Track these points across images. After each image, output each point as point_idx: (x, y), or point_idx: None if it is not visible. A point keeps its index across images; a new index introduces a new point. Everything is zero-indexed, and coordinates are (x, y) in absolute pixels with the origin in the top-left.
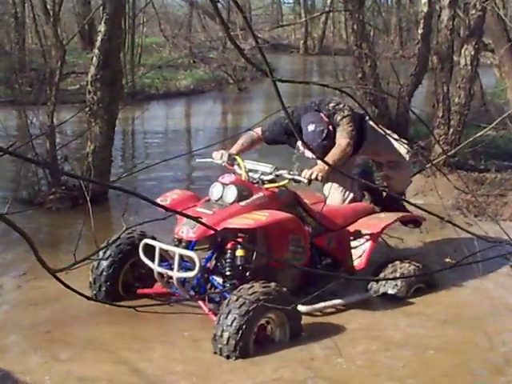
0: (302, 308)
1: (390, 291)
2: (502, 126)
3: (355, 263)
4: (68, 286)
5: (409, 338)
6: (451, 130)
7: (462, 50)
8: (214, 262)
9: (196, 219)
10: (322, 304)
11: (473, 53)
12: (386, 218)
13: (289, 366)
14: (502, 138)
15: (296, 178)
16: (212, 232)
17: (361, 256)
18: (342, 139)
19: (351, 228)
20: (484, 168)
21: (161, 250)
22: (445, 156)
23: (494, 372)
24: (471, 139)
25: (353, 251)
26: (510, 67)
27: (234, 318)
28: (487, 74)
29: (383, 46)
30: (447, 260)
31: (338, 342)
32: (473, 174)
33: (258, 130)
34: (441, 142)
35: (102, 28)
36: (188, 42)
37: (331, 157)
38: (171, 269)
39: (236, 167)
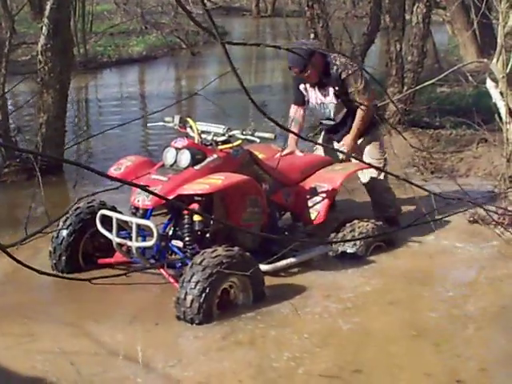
0: (264, 267)
1: (349, 250)
2: (457, 83)
3: (313, 217)
4: (18, 261)
5: (360, 296)
6: (405, 88)
7: (414, 8)
8: (172, 229)
9: (148, 190)
10: (283, 262)
11: (424, 10)
12: (343, 170)
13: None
14: (456, 95)
15: (249, 137)
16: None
17: (319, 210)
18: (362, 101)
19: (309, 182)
20: (439, 125)
21: (118, 219)
22: (399, 114)
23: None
24: (414, 89)
25: (311, 205)
26: (461, 24)
27: (198, 281)
28: (440, 31)
29: (336, 6)
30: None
31: (297, 301)
32: (428, 131)
33: (292, 109)
34: (395, 101)
35: None
36: (139, 8)
37: (356, 126)
38: (130, 238)
39: (188, 130)
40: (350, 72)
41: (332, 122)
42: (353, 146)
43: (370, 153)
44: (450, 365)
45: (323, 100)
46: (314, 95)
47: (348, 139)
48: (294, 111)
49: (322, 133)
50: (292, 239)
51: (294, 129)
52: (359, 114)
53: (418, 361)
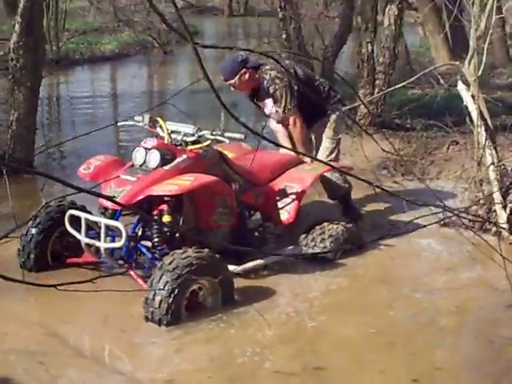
0: (232, 268)
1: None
2: (428, 85)
3: (284, 218)
4: None
5: (326, 295)
6: (376, 89)
7: (386, 10)
8: (141, 229)
9: (110, 198)
10: (251, 263)
11: (396, 12)
12: (313, 170)
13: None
14: (427, 97)
15: (219, 138)
16: (137, 199)
17: (289, 211)
18: (289, 122)
19: (279, 182)
20: (410, 127)
21: (87, 220)
22: (370, 116)
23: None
24: (385, 92)
25: (281, 206)
26: (433, 26)
27: (167, 282)
28: (411, 32)
29: (308, 7)
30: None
31: (265, 302)
32: (399, 132)
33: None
34: (366, 103)
35: None
36: (112, 5)
37: (298, 143)
38: (99, 238)
39: (158, 129)
40: (276, 87)
41: None
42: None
43: (326, 133)
44: (406, 363)
45: (271, 110)
46: (264, 108)
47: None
48: (272, 124)
49: None
50: (262, 253)
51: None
52: (292, 132)
53: (376, 359)
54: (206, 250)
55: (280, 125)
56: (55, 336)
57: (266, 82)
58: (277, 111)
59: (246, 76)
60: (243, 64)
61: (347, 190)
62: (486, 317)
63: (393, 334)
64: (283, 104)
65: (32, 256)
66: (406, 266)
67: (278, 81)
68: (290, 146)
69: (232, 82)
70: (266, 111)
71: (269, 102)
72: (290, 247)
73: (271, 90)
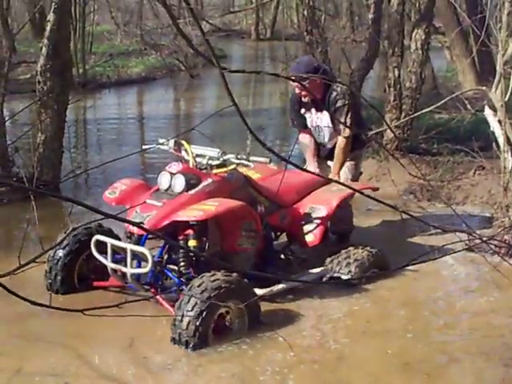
0: (259, 291)
1: (344, 277)
2: (455, 110)
3: (309, 239)
4: (10, 291)
5: (350, 322)
6: (403, 114)
7: (413, 35)
8: (167, 254)
9: (136, 224)
10: (278, 286)
11: (423, 37)
12: (339, 191)
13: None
14: (454, 121)
15: (244, 162)
16: (163, 224)
17: (315, 233)
18: (341, 136)
19: (305, 203)
20: (437, 152)
21: (113, 245)
22: (397, 141)
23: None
24: (412, 116)
25: (307, 228)
26: (460, 50)
27: (196, 304)
28: (438, 56)
29: (334, 31)
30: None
31: (288, 327)
32: (425, 157)
33: (301, 137)
34: (393, 127)
35: (50, 17)
36: (139, 29)
37: (338, 158)
38: (125, 263)
39: (183, 153)
40: (345, 102)
41: (327, 147)
42: (338, 176)
43: (342, 171)
44: (419, 383)
45: (319, 123)
46: (309, 118)
47: (332, 172)
48: (303, 137)
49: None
50: (278, 278)
51: (308, 153)
52: (338, 146)
53: (391, 380)
54: (235, 274)
55: (312, 140)
56: (80, 358)
57: (335, 93)
58: (328, 126)
59: (318, 81)
60: (317, 70)
61: (347, 232)
62: (503, 341)
63: (408, 356)
64: (349, 120)
65: (59, 278)
66: (428, 289)
67: (348, 97)
68: (314, 162)
69: (304, 83)
70: (320, 123)
71: (326, 114)
72: (316, 270)
73: (339, 103)
